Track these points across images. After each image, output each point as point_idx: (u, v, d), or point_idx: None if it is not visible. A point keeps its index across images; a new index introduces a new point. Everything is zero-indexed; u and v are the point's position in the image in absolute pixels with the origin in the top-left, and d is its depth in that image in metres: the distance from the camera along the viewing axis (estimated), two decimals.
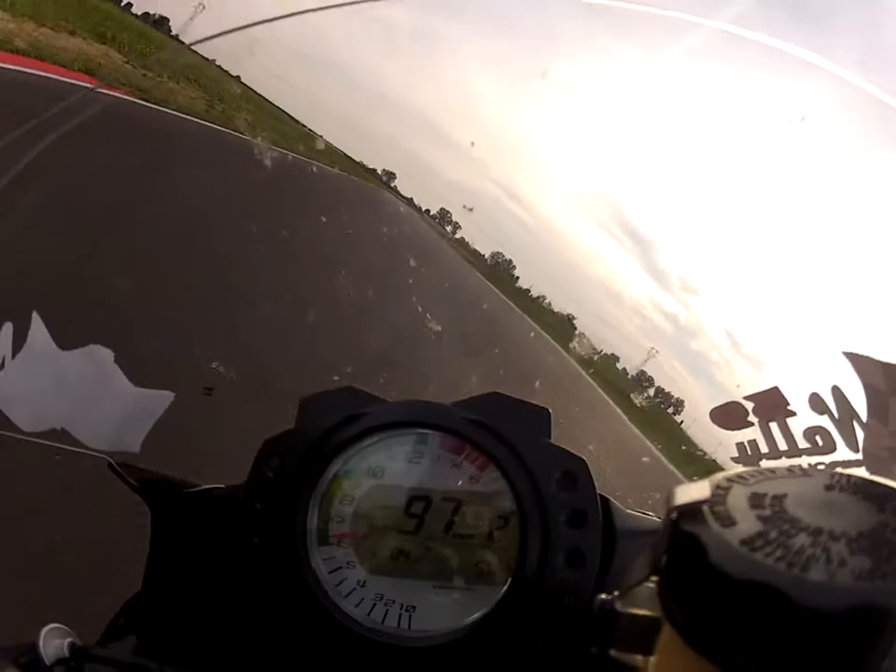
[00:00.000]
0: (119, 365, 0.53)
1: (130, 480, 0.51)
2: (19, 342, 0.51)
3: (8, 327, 0.51)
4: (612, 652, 0.31)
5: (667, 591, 0.26)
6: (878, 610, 0.21)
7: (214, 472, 0.56)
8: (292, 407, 0.51)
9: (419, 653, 0.46)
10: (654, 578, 0.28)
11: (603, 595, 0.31)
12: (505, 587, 0.46)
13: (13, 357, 0.51)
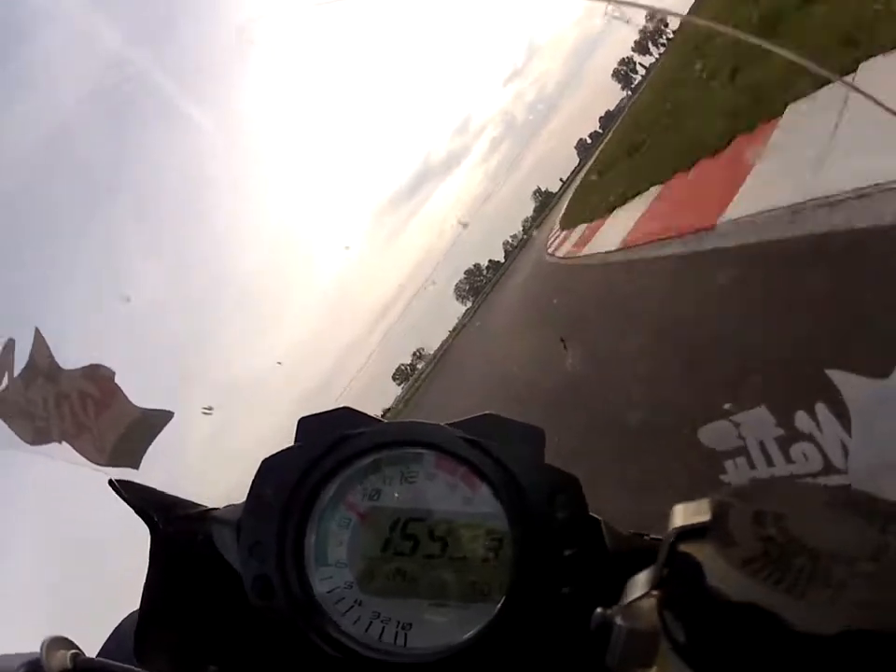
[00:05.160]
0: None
1: (129, 498, 0.51)
2: (21, 358, 0.52)
3: (11, 343, 0.51)
4: (611, 666, 0.31)
5: (666, 609, 0.27)
6: (877, 635, 0.21)
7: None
8: None
9: (415, 670, 0.47)
10: (655, 592, 0.28)
11: (601, 609, 0.31)
12: (499, 605, 0.47)
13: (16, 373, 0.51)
